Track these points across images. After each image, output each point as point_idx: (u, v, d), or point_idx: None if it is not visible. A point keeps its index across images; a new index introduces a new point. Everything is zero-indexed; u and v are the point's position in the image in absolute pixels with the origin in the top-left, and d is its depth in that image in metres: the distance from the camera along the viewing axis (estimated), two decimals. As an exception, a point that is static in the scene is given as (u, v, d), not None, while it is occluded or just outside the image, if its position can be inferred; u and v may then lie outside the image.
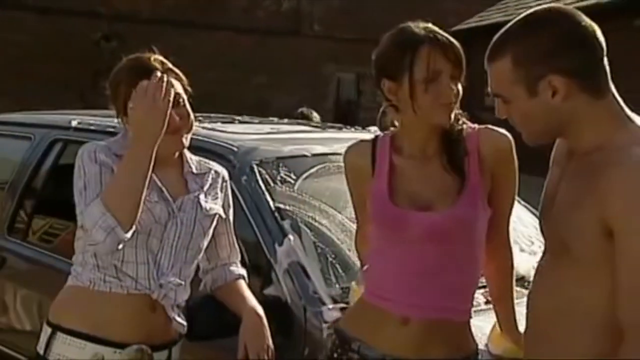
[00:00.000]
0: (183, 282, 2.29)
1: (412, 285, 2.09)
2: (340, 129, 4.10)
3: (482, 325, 2.35)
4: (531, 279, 2.03)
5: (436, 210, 2.07)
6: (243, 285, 2.46)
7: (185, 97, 2.30)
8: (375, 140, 2.22)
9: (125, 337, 2.22)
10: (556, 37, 1.76)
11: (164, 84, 2.15)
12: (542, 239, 2.02)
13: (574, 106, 1.77)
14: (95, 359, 2.21)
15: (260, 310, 2.36)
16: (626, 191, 1.66)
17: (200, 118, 3.44)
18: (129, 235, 2.13)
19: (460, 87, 2.08)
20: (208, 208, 2.34)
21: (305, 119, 5.66)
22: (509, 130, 2.09)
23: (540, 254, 2.01)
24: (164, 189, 2.28)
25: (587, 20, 1.78)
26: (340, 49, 15.66)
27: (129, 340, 2.22)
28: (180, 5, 15.07)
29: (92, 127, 3.60)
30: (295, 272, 2.65)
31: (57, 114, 4.26)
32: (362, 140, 2.27)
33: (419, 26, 2.09)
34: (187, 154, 2.39)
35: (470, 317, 2.18)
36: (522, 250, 2.99)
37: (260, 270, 2.72)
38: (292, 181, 2.96)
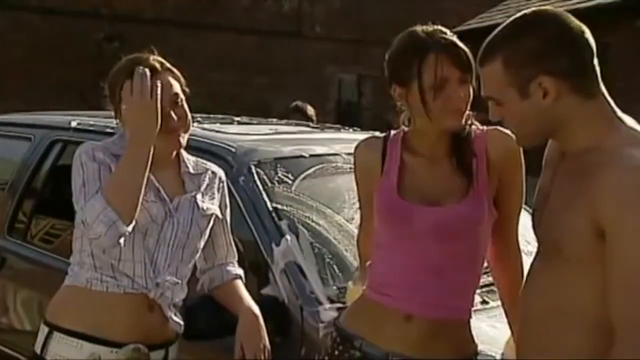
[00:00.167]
0: (180, 282, 2.30)
1: (416, 283, 2.10)
2: (338, 129, 4.12)
3: (481, 325, 2.36)
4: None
5: (443, 207, 2.08)
6: (240, 285, 2.47)
7: (183, 97, 2.32)
8: (387, 137, 2.23)
9: (122, 337, 2.23)
10: (545, 39, 1.77)
11: (147, 80, 2.17)
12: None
13: (565, 107, 1.78)
14: (92, 359, 2.22)
15: (256, 310, 2.37)
16: (617, 192, 1.67)
17: (199, 119, 3.46)
18: (129, 229, 2.15)
19: (471, 89, 2.07)
20: (205, 208, 2.35)
21: (300, 112, 5.67)
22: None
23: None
24: (160, 188, 2.29)
25: (576, 22, 1.80)
26: (342, 50, 15.66)
27: (126, 340, 2.23)
28: (182, 6, 15.07)
29: (91, 128, 3.62)
30: (292, 272, 2.66)
31: (56, 114, 4.28)
32: (373, 136, 2.29)
33: (427, 30, 2.08)
34: (184, 154, 2.40)
35: (470, 316, 2.19)
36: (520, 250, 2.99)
37: (257, 270, 2.73)
38: (290, 182, 2.98)
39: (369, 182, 2.21)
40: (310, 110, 5.70)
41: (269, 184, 2.92)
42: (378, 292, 2.15)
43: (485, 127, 2.16)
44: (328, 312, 2.54)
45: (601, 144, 1.76)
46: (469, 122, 2.13)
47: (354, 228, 2.75)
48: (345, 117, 14.34)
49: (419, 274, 2.10)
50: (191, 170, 2.39)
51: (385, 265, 2.16)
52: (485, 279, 2.68)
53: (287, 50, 15.31)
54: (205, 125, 3.40)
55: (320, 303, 2.59)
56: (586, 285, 1.76)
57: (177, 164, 2.38)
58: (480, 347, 2.25)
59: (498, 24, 1.88)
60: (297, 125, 4.42)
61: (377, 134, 2.36)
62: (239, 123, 3.98)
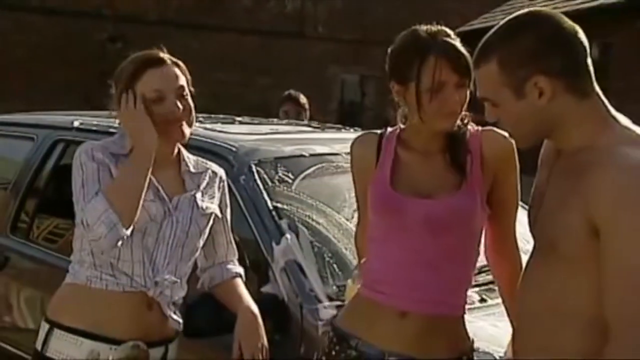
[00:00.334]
0: (179, 280, 2.31)
1: (410, 279, 2.11)
2: (339, 129, 4.14)
3: (479, 323, 2.38)
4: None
5: (434, 199, 2.10)
6: (240, 283, 2.48)
7: (188, 92, 2.33)
8: (382, 133, 2.25)
9: (121, 334, 2.25)
10: (539, 39, 1.79)
11: (128, 93, 2.25)
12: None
13: (560, 106, 1.80)
14: (91, 356, 2.24)
15: (255, 308, 2.38)
16: (612, 191, 1.68)
17: (201, 118, 3.48)
18: (128, 232, 2.17)
19: (467, 93, 2.08)
20: (204, 207, 2.37)
21: (292, 100, 5.70)
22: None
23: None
24: (160, 188, 2.31)
25: (569, 22, 1.82)
26: (344, 51, 15.68)
27: (125, 337, 2.25)
28: (185, 7, 15.11)
29: (94, 128, 3.64)
30: (292, 271, 2.68)
31: (59, 114, 4.30)
32: (369, 132, 2.31)
33: (430, 31, 2.09)
34: (185, 153, 2.42)
35: (464, 312, 2.20)
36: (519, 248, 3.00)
37: (257, 269, 2.75)
38: (290, 181, 3.00)
39: (364, 177, 2.23)
40: (303, 99, 5.73)
41: (270, 183, 2.94)
42: (373, 290, 2.17)
43: (480, 128, 2.18)
44: (327, 310, 2.56)
45: (595, 143, 1.78)
46: (465, 121, 2.15)
47: (353, 227, 2.76)
48: (348, 118, 14.37)
49: (413, 269, 2.11)
50: (192, 169, 2.41)
51: (380, 261, 2.17)
52: (484, 278, 2.70)
53: (290, 50, 15.34)
54: (207, 125, 3.42)
55: (320, 301, 2.60)
56: (581, 284, 1.77)
57: (177, 163, 2.39)
58: (478, 345, 2.26)
59: (501, 25, 1.88)
60: (297, 125, 4.44)
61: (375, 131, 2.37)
62: (240, 123, 4.00)
